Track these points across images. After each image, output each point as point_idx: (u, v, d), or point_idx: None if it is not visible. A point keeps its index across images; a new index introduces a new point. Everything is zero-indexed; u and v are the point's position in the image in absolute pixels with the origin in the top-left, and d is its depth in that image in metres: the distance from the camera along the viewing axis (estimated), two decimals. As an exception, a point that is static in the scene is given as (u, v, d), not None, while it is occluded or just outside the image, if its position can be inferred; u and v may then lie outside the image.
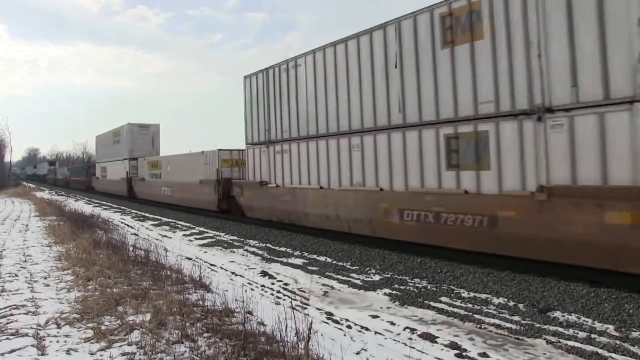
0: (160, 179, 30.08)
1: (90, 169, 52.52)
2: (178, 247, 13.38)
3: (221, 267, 11.22)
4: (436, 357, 5.72)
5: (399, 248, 11.92)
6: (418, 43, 11.09)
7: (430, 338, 6.35)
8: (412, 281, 9.43)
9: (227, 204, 21.10)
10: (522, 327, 6.68)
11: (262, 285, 9.38)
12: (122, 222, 21.61)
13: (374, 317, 7.35)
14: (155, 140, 37.12)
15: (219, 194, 21.52)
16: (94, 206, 31.15)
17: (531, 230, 8.71)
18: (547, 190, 8.46)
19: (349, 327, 6.86)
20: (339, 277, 9.98)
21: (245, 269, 10.97)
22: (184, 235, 17.27)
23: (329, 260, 11.70)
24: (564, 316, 7.06)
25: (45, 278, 8.81)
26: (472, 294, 8.38)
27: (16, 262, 10.43)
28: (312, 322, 5.07)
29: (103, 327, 5.77)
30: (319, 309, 7.74)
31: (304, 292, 8.63)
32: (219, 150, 22.39)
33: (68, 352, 5.13)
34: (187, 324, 5.68)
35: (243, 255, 12.96)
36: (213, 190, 21.90)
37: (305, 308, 7.50)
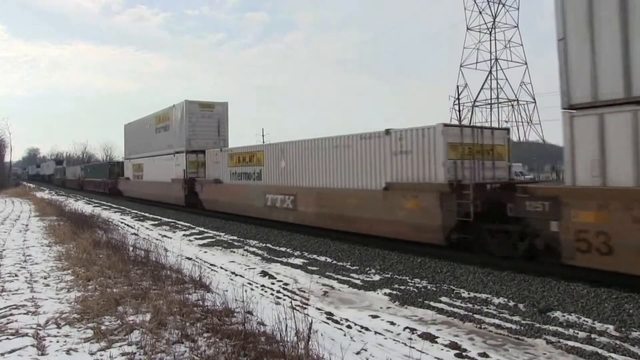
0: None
1: (114, 168, 41.79)
2: (178, 247, 13.37)
3: (221, 267, 11.22)
4: (436, 357, 5.72)
5: (399, 248, 11.92)
6: None
7: (430, 338, 6.35)
8: (412, 281, 9.43)
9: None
10: (522, 327, 6.68)
11: (262, 285, 9.38)
12: (122, 222, 21.61)
13: (374, 317, 7.34)
14: (221, 125, 25.64)
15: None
16: (94, 206, 31.14)
17: None
18: None
19: (349, 327, 6.86)
20: (339, 277, 9.98)
21: (245, 269, 10.97)
22: (184, 235, 17.26)
23: (329, 260, 11.70)
24: (564, 316, 7.06)
25: (45, 278, 8.80)
26: (472, 294, 8.38)
27: (16, 262, 10.43)
28: (312, 322, 5.08)
29: (103, 327, 5.77)
30: (319, 309, 7.74)
31: (304, 292, 8.63)
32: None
33: (68, 352, 5.13)
34: (187, 324, 5.67)
35: (243, 255, 12.96)
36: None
37: (305, 308, 7.50)
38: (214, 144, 24.59)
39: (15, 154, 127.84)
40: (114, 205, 32.01)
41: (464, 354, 5.82)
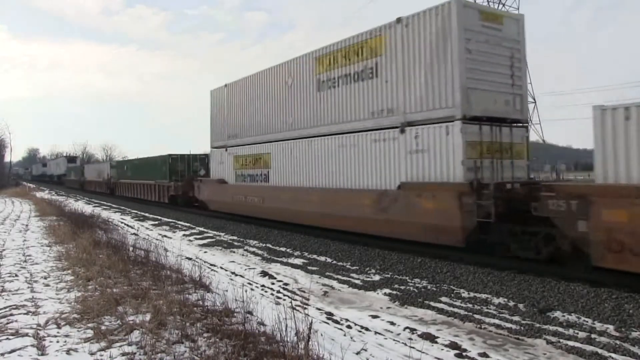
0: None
1: (177, 164, 28.48)
2: (178, 247, 13.37)
3: (221, 267, 11.22)
4: (436, 357, 5.72)
5: (399, 248, 11.91)
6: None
7: (430, 338, 6.35)
8: (412, 281, 9.43)
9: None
10: (522, 327, 6.68)
11: (262, 285, 9.38)
12: (122, 222, 21.61)
13: (374, 317, 7.34)
14: (517, 63, 11.99)
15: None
16: (94, 206, 31.14)
17: None
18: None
19: (349, 327, 6.86)
20: (339, 277, 9.98)
21: (245, 269, 10.97)
22: (184, 235, 17.26)
23: (329, 260, 11.70)
24: (564, 316, 7.06)
25: (45, 278, 8.81)
26: (472, 294, 8.38)
27: (16, 262, 10.43)
28: (312, 322, 5.07)
29: (103, 327, 5.77)
30: (319, 309, 7.74)
31: (304, 292, 8.63)
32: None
33: (68, 352, 5.14)
34: (187, 324, 5.67)
35: (243, 255, 12.96)
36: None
37: (305, 308, 7.49)
38: (505, 103, 11.48)
39: (15, 154, 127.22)
40: (114, 205, 32.00)
41: (464, 354, 5.82)
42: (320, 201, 14.11)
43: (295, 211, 15.40)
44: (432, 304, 7.91)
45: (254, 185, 18.04)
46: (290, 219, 16.08)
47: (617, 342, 6.04)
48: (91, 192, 47.47)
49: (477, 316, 7.22)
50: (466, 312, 7.40)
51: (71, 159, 77.87)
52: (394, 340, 6.32)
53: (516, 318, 7.09)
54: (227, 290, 7.84)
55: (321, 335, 5.71)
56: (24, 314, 6.52)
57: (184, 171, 28.20)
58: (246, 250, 13.63)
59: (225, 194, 20.22)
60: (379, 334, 6.58)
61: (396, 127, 11.81)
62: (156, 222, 21.59)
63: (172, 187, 27.58)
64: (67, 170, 68.45)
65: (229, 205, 19.92)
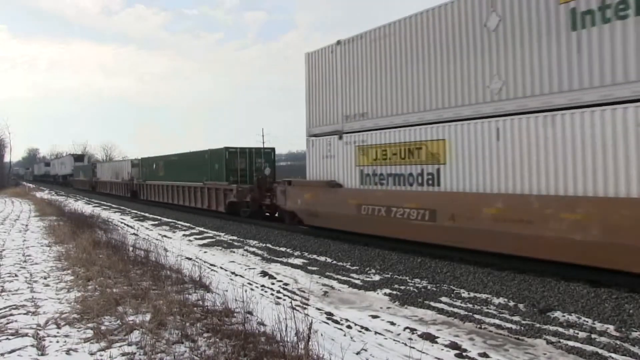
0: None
1: (234, 160, 21.63)
2: (178, 247, 13.39)
3: (221, 267, 11.22)
4: (436, 357, 5.72)
5: (399, 248, 11.92)
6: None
7: (431, 338, 6.35)
8: (412, 281, 9.43)
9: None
10: (522, 327, 6.68)
11: (262, 285, 9.38)
12: (121, 222, 21.61)
13: (374, 317, 7.34)
14: None
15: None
16: (94, 206, 31.15)
17: None
18: None
19: (349, 327, 6.86)
20: (339, 277, 9.98)
21: (245, 269, 10.97)
22: (183, 235, 17.26)
23: (329, 260, 11.70)
24: (564, 316, 7.06)
25: (45, 278, 8.80)
26: (472, 294, 8.37)
27: (16, 262, 10.43)
28: (312, 322, 5.07)
29: (103, 327, 5.77)
30: (319, 309, 7.74)
31: (304, 292, 8.63)
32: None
33: (68, 352, 5.13)
34: (187, 324, 5.67)
35: (243, 255, 12.96)
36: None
37: (305, 308, 7.49)
38: None
39: (15, 154, 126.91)
40: (114, 205, 32.00)
41: (464, 354, 5.82)
42: (601, 222, 7.75)
43: (530, 238, 8.61)
44: (432, 304, 7.91)
45: (405, 192, 11.35)
46: (511, 250, 9.20)
47: (618, 342, 6.04)
48: (105, 195, 41.88)
49: (477, 316, 7.22)
50: (466, 312, 7.40)
51: (78, 157, 69.91)
52: (394, 340, 6.32)
53: (516, 318, 7.09)
54: (227, 290, 7.84)
55: (321, 335, 5.71)
56: (24, 314, 6.52)
57: (244, 170, 21.43)
58: (246, 250, 13.63)
59: (340, 203, 13.08)
60: (379, 334, 6.58)
61: None
62: (156, 222, 21.59)
63: (234, 191, 20.04)
64: (74, 169, 62.51)
65: (349, 220, 12.96)
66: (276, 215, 18.67)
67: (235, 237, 16.05)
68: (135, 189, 35.10)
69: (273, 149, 22.46)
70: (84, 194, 46.16)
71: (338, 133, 13.52)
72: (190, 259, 11.51)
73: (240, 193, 19.78)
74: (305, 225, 15.12)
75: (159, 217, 23.39)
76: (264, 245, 14.27)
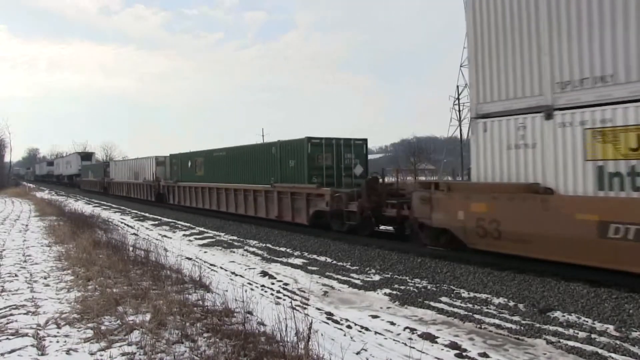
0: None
1: (318, 156, 15.91)
2: (178, 247, 13.40)
3: (221, 267, 11.22)
4: (436, 357, 5.72)
5: (399, 248, 11.92)
6: None
7: (430, 338, 6.35)
8: (412, 281, 9.43)
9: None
10: (522, 327, 6.68)
11: (262, 285, 9.38)
12: (122, 222, 21.61)
13: (374, 317, 7.34)
14: None
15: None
16: (94, 206, 31.15)
17: None
18: None
19: (349, 327, 6.86)
20: (339, 277, 9.98)
21: (245, 269, 10.97)
22: (184, 235, 17.26)
23: (329, 260, 11.69)
24: (564, 316, 7.06)
25: (45, 278, 8.80)
26: (472, 294, 8.37)
27: (16, 262, 10.43)
28: (312, 322, 5.07)
29: (103, 327, 5.76)
30: (319, 309, 7.74)
31: (304, 292, 8.63)
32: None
33: (68, 352, 5.13)
34: (187, 324, 5.67)
35: (243, 255, 12.96)
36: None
37: (305, 308, 7.50)
38: None
39: (15, 154, 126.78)
40: (114, 205, 32.00)
41: (464, 354, 5.82)
42: None
43: None
44: (432, 304, 7.91)
45: None
46: None
47: (617, 342, 6.04)
48: (120, 198, 36.79)
49: (477, 316, 7.22)
50: (466, 312, 7.40)
51: (86, 155, 62.25)
52: (394, 340, 6.32)
53: (516, 318, 7.09)
54: (227, 290, 7.84)
55: (321, 335, 5.71)
56: (24, 314, 6.52)
57: (330, 168, 16.12)
58: (246, 250, 13.63)
59: (553, 219, 8.37)
60: (379, 334, 6.58)
61: None
62: (156, 222, 21.58)
63: (327, 197, 14.52)
64: (81, 169, 56.09)
65: (574, 245, 8.08)
66: (404, 231, 13.06)
67: (235, 237, 16.05)
68: (162, 191, 29.33)
69: (365, 140, 16.76)
70: (92, 196, 46.00)
71: (543, 109, 8.86)
72: (190, 259, 11.52)
73: (336, 200, 14.13)
74: (468, 249, 10.18)
75: (159, 217, 23.38)
76: (264, 245, 14.27)
